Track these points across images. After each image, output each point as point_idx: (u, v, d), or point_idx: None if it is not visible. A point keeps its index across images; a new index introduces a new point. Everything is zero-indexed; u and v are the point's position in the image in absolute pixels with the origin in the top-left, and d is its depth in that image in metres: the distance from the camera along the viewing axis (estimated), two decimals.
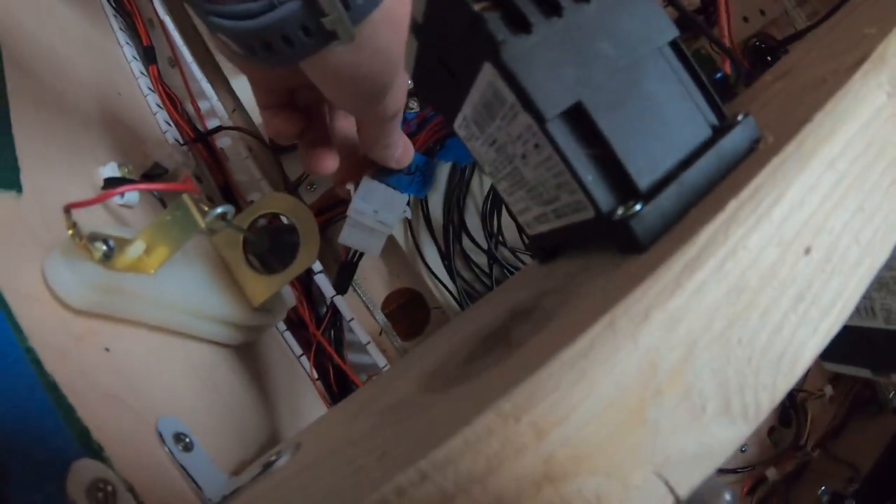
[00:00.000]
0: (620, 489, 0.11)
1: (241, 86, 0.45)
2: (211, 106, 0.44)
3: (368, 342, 0.41)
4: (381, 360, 0.40)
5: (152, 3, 0.46)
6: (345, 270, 0.41)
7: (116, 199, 0.25)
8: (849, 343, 0.28)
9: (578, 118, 0.14)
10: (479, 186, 0.45)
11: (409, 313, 0.47)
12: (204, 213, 0.19)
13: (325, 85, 0.25)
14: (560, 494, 0.10)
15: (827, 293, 0.13)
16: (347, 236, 0.38)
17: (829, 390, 0.63)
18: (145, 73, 0.44)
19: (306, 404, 0.36)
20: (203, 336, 0.24)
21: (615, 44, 0.14)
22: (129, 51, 0.44)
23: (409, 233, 0.45)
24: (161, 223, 0.18)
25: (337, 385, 0.40)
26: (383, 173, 0.35)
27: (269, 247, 0.28)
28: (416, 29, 0.17)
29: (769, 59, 0.54)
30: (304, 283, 0.42)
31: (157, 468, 0.17)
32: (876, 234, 0.15)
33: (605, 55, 0.14)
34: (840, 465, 0.59)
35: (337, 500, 0.11)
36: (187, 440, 0.19)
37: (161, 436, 0.18)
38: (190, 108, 0.46)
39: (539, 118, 0.14)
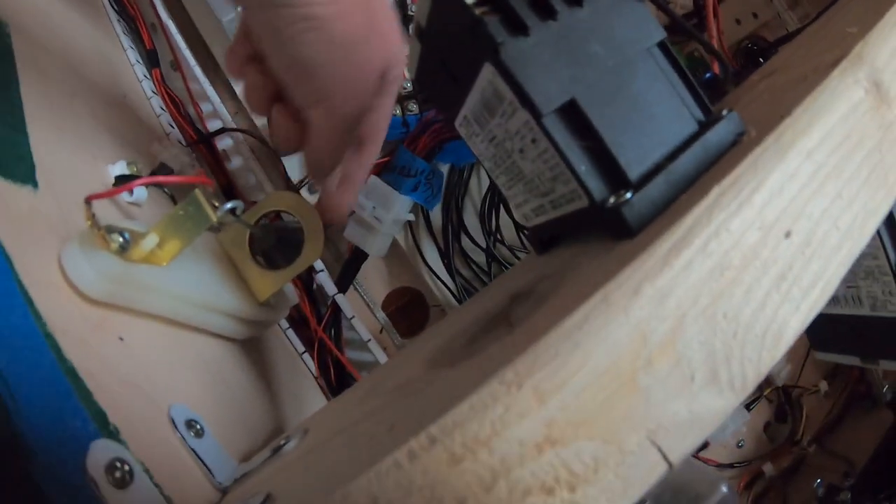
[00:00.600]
0: (616, 454, 0.11)
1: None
2: (213, 108, 0.45)
3: (370, 340, 0.41)
4: (382, 358, 0.41)
5: (154, 8, 0.46)
6: (348, 268, 0.42)
7: (125, 197, 0.25)
8: (837, 331, 0.28)
9: (572, 114, 0.15)
10: (478, 187, 0.46)
11: (409, 311, 0.48)
12: (215, 208, 0.20)
13: (260, 34, 0.24)
14: (560, 457, 0.11)
15: (808, 274, 0.14)
16: (350, 232, 0.39)
17: (824, 386, 0.64)
18: (148, 77, 0.45)
19: (309, 400, 0.36)
20: (211, 329, 0.25)
21: (606, 45, 0.15)
22: (133, 54, 0.45)
23: (409, 232, 0.45)
24: (174, 217, 0.19)
25: (338, 382, 0.41)
26: (386, 170, 0.35)
27: (274, 244, 0.29)
28: (420, 33, 0.18)
29: (761, 60, 0.55)
30: (306, 281, 0.42)
31: (170, 452, 0.18)
32: (855, 220, 0.16)
33: (597, 55, 0.15)
34: (836, 459, 0.60)
35: (350, 468, 0.11)
36: (198, 427, 0.19)
37: (173, 421, 0.18)
38: (192, 110, 0.47)
39: (536, 114, 0.15)
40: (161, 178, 0.19)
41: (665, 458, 0.12)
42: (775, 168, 0.14)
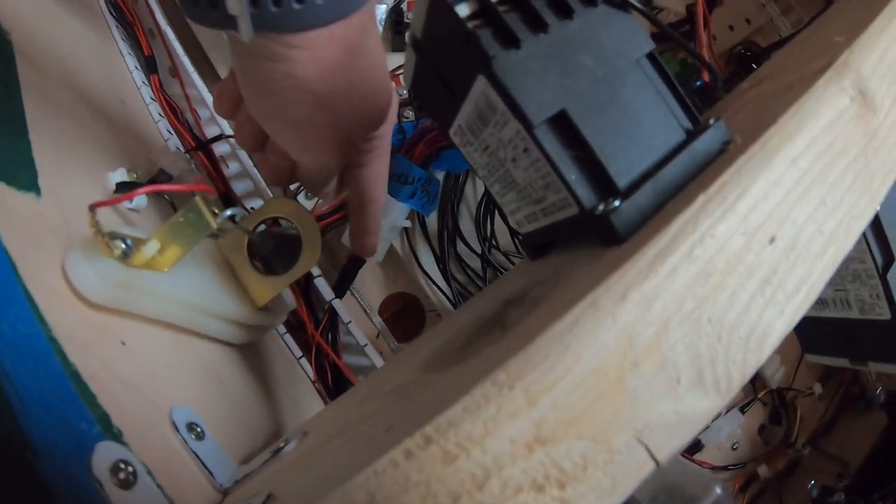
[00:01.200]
0: (605, 452, 0.12)
1: None
2: (211, 114, 0.45)
3: (366, 344, 0.42)
4: (378, 362, 0.41)
5: (152, 14, 0.47)
6: (345, 274, 0.42)
7: (126, 203, 0.26)
8: (827, 334, 0.29)
9: (563, 124, 0.15)
10: (473, 193, 0.47)
11: (405, 316, 0.48)
12: (215, 215, 0.20)
13: (238, 78, 0.23)
14: (550, 456, 0.11)
15: (792, 278, 0.15)
16: (348, 238, 0.39)
17: (818, 388, 0.65)
18: (147, 83, 0.45)
19: (307, 403, 0.37)
20: (210, 334, 0.25)
21: (596, 57, 0.16)
22: (131, 61, 0.45)
23: (405, 238, 0.46)
24: (175, 224, 0.19)
25: (335, 386, 0.41)
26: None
27: (272, 249, 0.29)
28: (415, 44, 0.18)
29: (754, 66, 0.56)
30: (303, 287, 0.43)
31: (172, 454, 0.18)
32: (840, 225, 0.16)
33: (587, 67, 0.16)
34: (831, 460, 0.60)
35: (348, 467, 0.12)
36: (199, 429, 0.20)
37: (175, 424, 0.19)
38: (190, 116, 0.47)
39: (527, 124, 0.15)
40: (163, 187, 0.19)
41: (652, 456, 0.13)
42: (760, 175, 0.14)
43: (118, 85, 0.41)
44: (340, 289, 0.42)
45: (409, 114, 0.43)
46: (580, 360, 0.11)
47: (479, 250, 0.46)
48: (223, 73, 0.48)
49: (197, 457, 0.19)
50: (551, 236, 0.18)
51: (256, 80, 0.22)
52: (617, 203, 0.14)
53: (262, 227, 0.30)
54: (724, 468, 0.58)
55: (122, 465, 0.15)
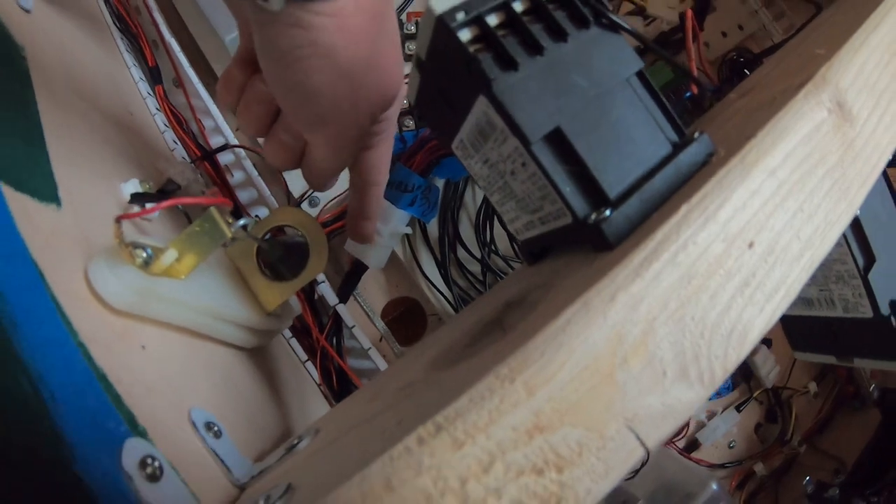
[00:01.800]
0: (598, 439, 0.13)
1: None
2: (215, 124, 0.47)
3: (370, 348, 0.43)
4: (382, 365, 0.42)
5: (156, 26, 0.48)
6: (349, 280, 0.43)
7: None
8: (814, 333, 0.30)
9: (558, 140, 0.17)
10: (473, 200, 0.48)
11: (407, 320, 0.49)
12: (229, 225, 0.21)
13: (260, 51, 0.23)
14: (549, 442, 0.12)
15: (770, 280, 0.16)
16: (351, 245, 0.40)
17: (813, 387, 0.66)
18: (152, 94, 0.46)
19: (313, 405, 0.38)
20: (222, 338, 0.26)
21: (588, 77, 0.17)
22: (137, 72, 0.46)
23: (406, 245, 0.47)
24: (191, 233, 0.21)
25: (340, 388, 0.42)
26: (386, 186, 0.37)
27: (280, 256, 0.30)
28: (419, 64, 0.19)
29: (746, 72, 0.57)
30: (308, 292, 0.44)
31: (192, 452, 0.19)
32: (816, 230, 0.18)
33: (580, 87, 0.17)
34: (826, 458, 0.61)
35: (364, 456, 0.13)
36: (216, 428, 0.21)
37: (194, 424, 0.20)
38: (195, 126, 0.49)
39: (525, 141, 0.16)
40: (185, 200, 0.20)
41: (642, 443, 0.14)
42: (739, 186, 0.16)
43: (125, 97, 0.42)
44: (344, 294, 0.43)
45: (410, 123, 0.44)
46: (574, 356, 0.12)
47: (478, 255, 0.47)
48: None
49: (216, 454, 0.20)
50: (548, 243, 0.20)
51: (279, 50, 0.22)
52: (608, 213, 0.15)
53: (268, 235, 0.31)
54: (722, 466, 0.60)
55: (150, 461, 0.16)
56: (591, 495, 0.13)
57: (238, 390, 0.26)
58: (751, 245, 0.15)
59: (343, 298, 0.43)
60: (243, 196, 0.46)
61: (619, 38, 0.19)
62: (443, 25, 0.17)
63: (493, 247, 0.47)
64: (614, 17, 0.18)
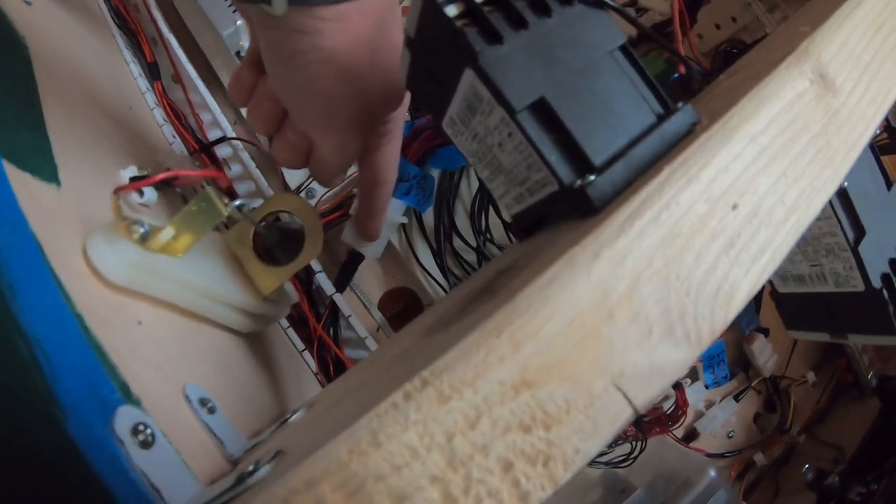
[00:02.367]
0: (585, 396, 0.13)
1: None
2: (213, 118, 0.47)
3: (367, 337, 0.43)
4: None
5: (155, 23, 0.48)
6: (345, 270, 0.44)
7: (136, 198, 0.27)
8: (807, 309, 0.30)
9: (543, 110, 0.17)
10: (468, 189, 0.48)
11: (404, 309, 0.50)
12: (225, 204, 0.21)
13: (264, 54, 0.24)
14: (536, 398, 0.13)
15: (755, 242, 0.16)
16: (347, 235, 0.41)
17: (811, 376, 0.66)
18: (150, 89, 0.47)
19: (310, 394, 0.38)
20: (218, 320, 0.27)
21: (573, 49, 0.17)
22: (136, 68, 0.47)
23: (402, 234, 0.47)
24: (188, 212, 0.21)
25: (336, 377, 0.42)
26: None
27: (276, 242, 0.31)
28: (409, 43, 0.20)
29: (740, 59, 0.57)
30: (305, 282, 0.44)
31: (186, 425, 0.20)
32: (801, 195, 0.18)
33: (565, 59, 0.17)
34: (826, 447, 0.61)
35: (354, 416, 0.13)
36: (210, 405, 0.21)
37: (188, 398, 0.20)
38: (192, 121, 0.49)
39: (510, 110, 0.17)
40: (182, 172, 0.20)
41: (630, 402, 0.14)
42: (721, 150, 0.16)
43: (124, 91, 0.42)
44: (341, 284, 0.44)
45: (405, 114, 0.45)
46: (559, 311, 0.13)
47: (474, 244, 0.47)
48: (225, 78, 0.49)
49: (209, 428, 0.20)
50: (537, 215, 0.20)
51: (284, 55, 0.23)
52: (592, 178, 0.16)
53: (263, 223, 0.32)
54: (721, 456, 0.60)
55: (142, 428, 0.16)
56: (579, 454, 0.13)
57: (234, 373, 0.26)
58: (734, 206, 0.16)
59: (340, 288, 0.43)
60: (241, 188, 0.46)
61: (603, 14, 0.19)
62: (430, 2, 0.17)
63: (488, 235, 0.47)
64: None
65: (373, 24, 0.23)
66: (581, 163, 0.17)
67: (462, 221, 0.47)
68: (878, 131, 0.22)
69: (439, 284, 0.46)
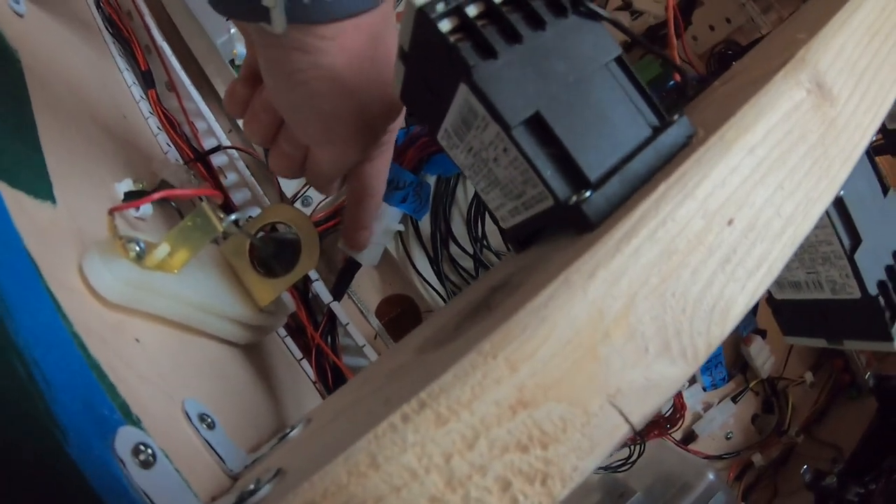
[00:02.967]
0: (582, 415, 0.13)
1: None
2: (208, 126, 0.47)
3: (364, 345, 0.43)
4: None
5: (148, 31, 0.48)
6: (342, 278, 0.44)
7: (132, 212, 0.27)
8: (804, 316, 0.30)
9: (537, 125, 0.17)
10: (464, 196, 0.48)
11: (401, 317, 0.50)
12: (221, 219, 0.21)
13: (264, 71, 0.24)
14: (533, 418, 0.13)
15: (752, 257, 0.16)
16: (344, 243, 0.40)
17: (809, 377, 0.66)
18: (145, 97, 0.47)
19: (308, 403, 0.38)
20: (216, 334, 0.27)
21: (567, 62, 0.17)
22: (129, 76, 0.47)
23: (399, 242, 0.47)
24: (184, 228, 0.21)
25: (335, 386, 0.42)
26: None
27: (272, 253, 0.31)
28: (403, 56, 0.20)
29: (734, 64, 0.57)
30: (302, 291, 0.44)
31: (186, 442, 0.19)
32: (798, 207, 0.18)
33: (559, 72, 0.17)
34: (824, 447, 0.62)
35: (351, 435, 0.13)
36: (210, 420, 0.21)
37: (187, 415, 0.20)
38: (187, 129, 0.49)
39: (505, 126, 0.17)
40: (176, 192, 0.20)
41: (626, 419, 0.14)
42: (718, 163, 0.16)
43: (118, 100, 0.42)
44: (338, 292, 0.44)
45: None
46: (555, 331, 0.13)
47: (471, 251, 0.47)
48: (219, 86, 0.49)
49: (209, 444, 0.20)
50: (533, 228, 0.20)
51: (283, 72, 0.23)
52: (588, 194, 0.16)
53: (261, 233, 0.31)
54: (719, 457, 0.60)
55: (143, 448, 0.16)
56: (577, 472, 0.13)
57: (232, 385, 0.26)
58: (731, 222, 0.16)
59: (337, 296, 0.43)
60: (237, 197, 0.46)
61: (598, 26, 0.19)
62: (423, 17, 0.17)
63: (485, 242, 0.47)
64: (591, 6, 0.18)
65: (369, 38, 0.23)
66: (576, 178, 0.17)
67: (458, 228, 0.47)
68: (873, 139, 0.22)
69: (436, 291, 0.46)
